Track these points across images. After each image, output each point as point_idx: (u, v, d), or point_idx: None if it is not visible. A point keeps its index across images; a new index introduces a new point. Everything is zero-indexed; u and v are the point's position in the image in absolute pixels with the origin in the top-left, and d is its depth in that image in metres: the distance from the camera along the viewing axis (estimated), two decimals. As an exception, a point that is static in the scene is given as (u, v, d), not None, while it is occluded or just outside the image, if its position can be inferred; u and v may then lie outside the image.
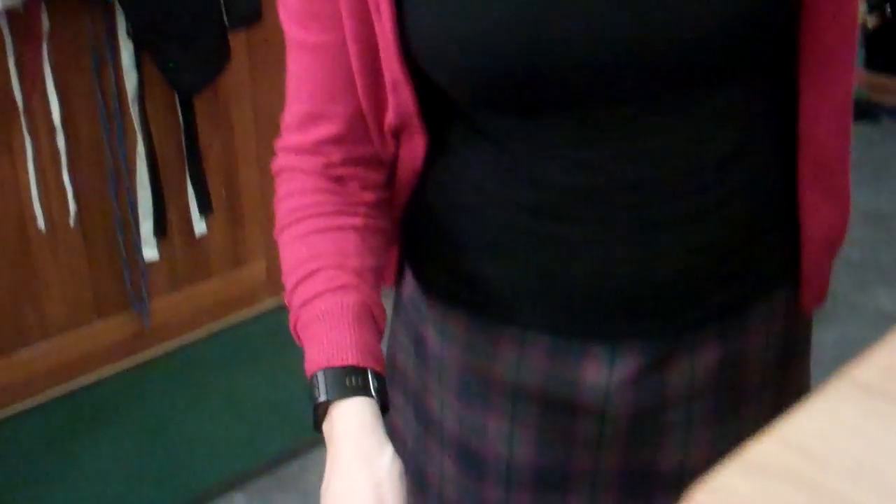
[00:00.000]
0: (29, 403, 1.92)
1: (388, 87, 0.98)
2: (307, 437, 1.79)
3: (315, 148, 1.01)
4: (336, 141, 1.01)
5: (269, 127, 2.12)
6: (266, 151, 2.13)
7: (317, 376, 0.99)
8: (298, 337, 1.03)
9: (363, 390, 0.99)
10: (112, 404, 1.89)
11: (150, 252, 1.94)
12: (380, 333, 1.06)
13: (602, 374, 1.04)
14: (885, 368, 0.46)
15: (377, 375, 1.00)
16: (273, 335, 2.06)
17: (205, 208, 1.98)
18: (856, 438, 0.43)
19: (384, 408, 1.01)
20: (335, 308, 1.02)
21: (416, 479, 1.16)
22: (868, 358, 0.47)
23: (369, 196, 1.04)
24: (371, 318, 1.04)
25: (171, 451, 1.78)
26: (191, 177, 1.94)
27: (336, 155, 1.02)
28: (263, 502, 1.66)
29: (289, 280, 1.05)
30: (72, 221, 1.86)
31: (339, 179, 1.04)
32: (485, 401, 1.11)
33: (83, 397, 1.91)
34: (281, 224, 1.06)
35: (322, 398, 0.98)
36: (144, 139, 1.88)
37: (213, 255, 2.09)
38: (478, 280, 1.07)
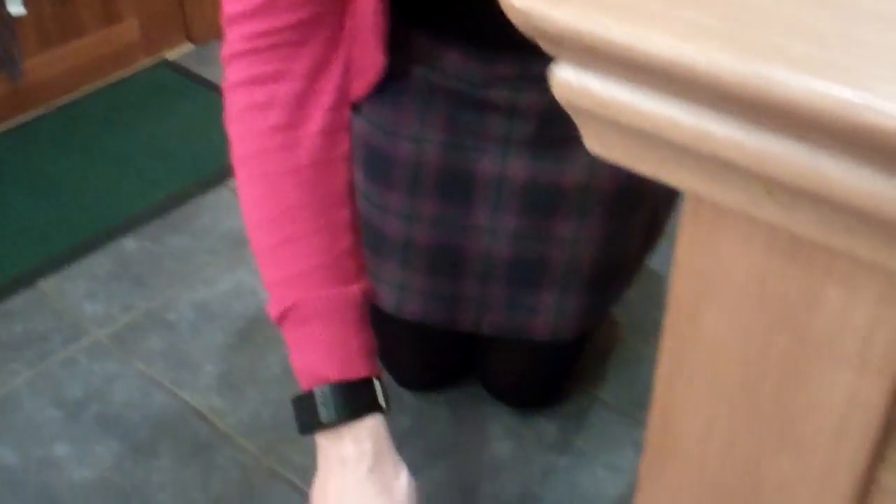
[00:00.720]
0: None
1: None
2: (196, 180, 1.79)
3: (287, 4, 0.88)
4: None
5: None
6: None
7: (323, 392, 0.93)
8: (281, 317, 0.95)
9: (374, 406, 0.94)
10: (-8, 166, 1.86)
11: (15, 7, 1.87)
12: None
13: (514, 69, 1.04)
14: None
15: (380, 378, 0.96)
16: (152, 93, 2.02)
17: (69, -42, 1.90)
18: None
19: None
20: (337, 303, 0.93)
21: None
22: None
23: (336, 69, 0.93)
24: (368, 302, 0.97)
25: (58, 204, 1.76)
26: (50, -78, 1.85)
27: (312, 4, 0.90)
28: (154, 244, 1.67)
29: (263, 235, 0.94)
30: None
31: (310, 46, 0.91)
32: (397, 99, 1.11)
33: (-39, 161, 1.87)
34: (246, 150, 0.94)
35: (332, 419, 0.92)
36: None
37: (84, 13, 2.02)
38: None
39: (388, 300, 1.23)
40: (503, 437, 1.35)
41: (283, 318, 0.93)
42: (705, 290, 0.46)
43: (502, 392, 1.36)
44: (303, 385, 0.94)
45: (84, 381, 1.43)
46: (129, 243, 1.67)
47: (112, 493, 1.27)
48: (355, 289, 0.94)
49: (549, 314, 1.19)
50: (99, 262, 1.63)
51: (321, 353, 0.92)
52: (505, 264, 1.17)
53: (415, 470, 1.29)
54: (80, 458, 1.32)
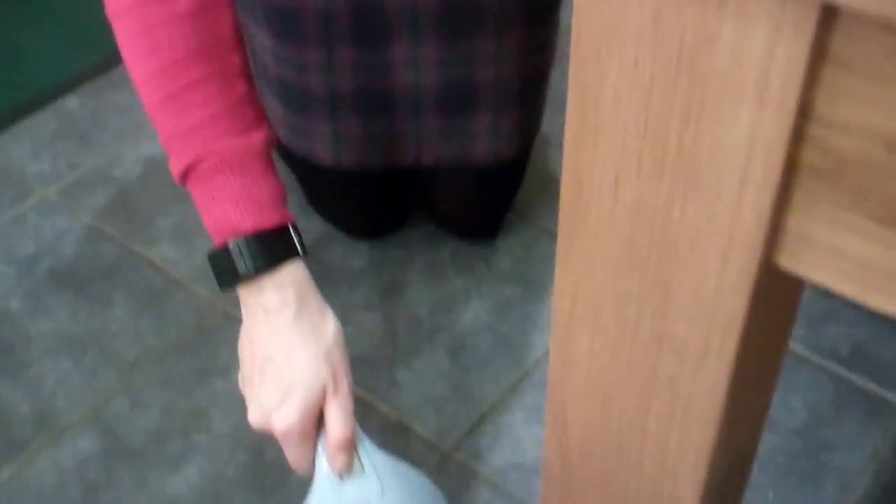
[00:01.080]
0: None
1: None
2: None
3: None
4: None
5: None
6: None
7: (237, 245, 0.90)
8: (185, 175, 0.91)
9: (291, 252, 0.91)
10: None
11: None
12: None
13: None
14: None
15: (294, 225, 0.92)
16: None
17: None
18: None
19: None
20: (240, 153, 0.90)
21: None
22: None
23: None
24: (271, 149, 0.93)
25: (-5, 68, 1.73)
26: None
27: None
28: (97, 102, 1.65)
29: (153, 90, 0.90)
30: None
31: None
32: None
33: None
34: (122, 2, 0.90)
35: (250, 270, 0.89)
36: None
37: None
38: None
39: (325, 154, 1.22)
40: (456, 274, 1.36)
41: (186, 175, 0.92)
42: (605, 40, 0.46)
43: (450, 222, 1.37)
44: (216, 240, 0.93)
45: (34, 237, 1.42)
46: (72, 102, 1.64)
47: (69, 344, 1.28)
48: (257, 136, 0.92)
49: (488, 136, 1.19)
50: (42, 122, 1.61)
51: (230, 205, 0.91)
52: (434, 94, 1.16)
53: (369, 308, 1.31)
54: (35, 312, 1.32)
